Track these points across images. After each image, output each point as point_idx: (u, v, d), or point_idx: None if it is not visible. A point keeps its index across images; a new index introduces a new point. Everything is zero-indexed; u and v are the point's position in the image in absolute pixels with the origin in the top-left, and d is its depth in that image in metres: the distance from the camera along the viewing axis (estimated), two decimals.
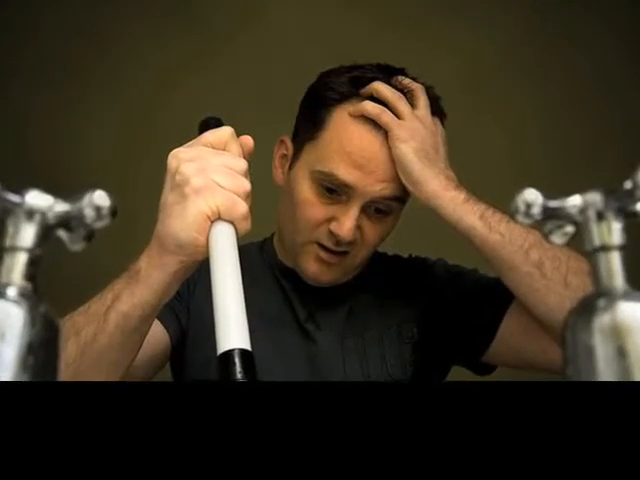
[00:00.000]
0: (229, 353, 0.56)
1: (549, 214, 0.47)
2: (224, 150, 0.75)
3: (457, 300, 1.09)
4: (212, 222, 0.70)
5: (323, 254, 1.02)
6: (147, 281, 0.77)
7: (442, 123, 1.05)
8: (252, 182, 0.72)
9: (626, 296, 0.44)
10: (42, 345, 0.42)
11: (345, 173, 0.97)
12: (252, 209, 0.71)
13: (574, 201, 0.47)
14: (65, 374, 0.46)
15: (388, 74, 1.03)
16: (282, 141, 1.10)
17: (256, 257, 1.15)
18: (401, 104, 0.99)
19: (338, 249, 1.01)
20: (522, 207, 0.47)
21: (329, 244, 1.01)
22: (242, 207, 0.70)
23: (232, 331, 0.59)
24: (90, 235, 0.46)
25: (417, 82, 1.04)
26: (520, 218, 0.47)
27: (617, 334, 0.43)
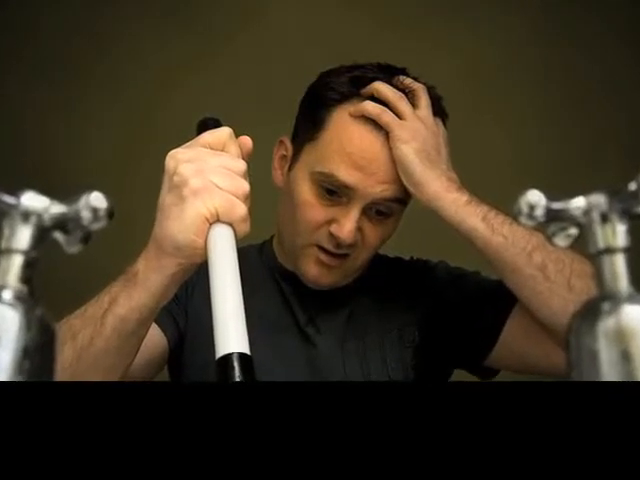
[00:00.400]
0: (228, 357, 0.56)
1: (552, 216, 0.47)
2: (223, 151, 0.75)
3: (459, 303, 1.08)
4: (210, 224, 0.69)
5: (323, 257, 1.01)
6: (145, 284, 0.77)
7: (444, 124, 1.05)
8: (251, 183, 0.72)
9: (631, 299, 0.44)
10: (38, 349, 0.42)
11: (345, 174, 0.97)
12: (251, 211, 0.71)
13: (578, 203, 0.47)
14: (61, 378, 0.46)
15: (389, 74, 1.03)
16: (281, 142, 1.09)
17: (255, 260, 1.14)
18: (402, 104, 0.99)
19: (338, 251, 1.01)
20: (525, 209, 0.47)
21: (329, 246, 1.00)
22: (241, 209, 0.70)
23: (231, 335, 0.58)
24: (87, 237, 0.46)
25: (419, 82, 1.04)
26: (523, 220, 0.47)
27: (622, 338, 0.42)
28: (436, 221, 0.98)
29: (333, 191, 0.99)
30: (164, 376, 1.10)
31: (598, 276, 0.45)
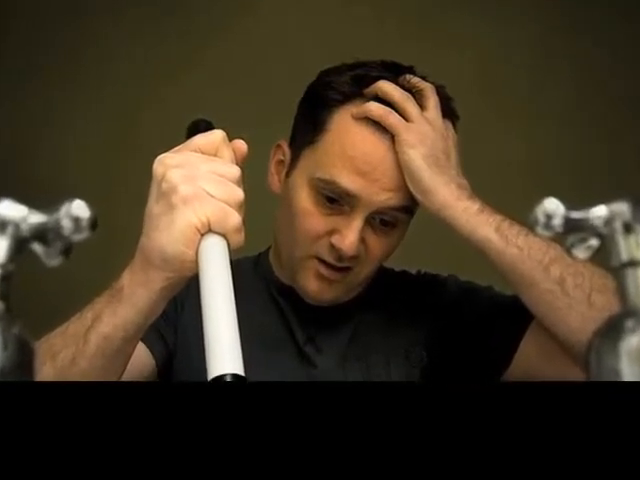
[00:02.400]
0: (221, 378, 0.56)
1: (571, 226, 0.47)
2: (215, 156, 0.75)
3: (471, 320, 1.08)
4: (202, 235, 0.69)
5: (323, 270, 1.01)
6: (131, 299, 0.77)
7: (454, 126, 1.05)
8: (246, 191, 0.72)
9: None
10: (15, 369, 0.42)
11: (348, 181, 0.97)
12: (246, 220, 0.71)
13: (599, 212, 0.47)
14: None
15: (395, 72, 1.03)
16: (279, 146, 1.10)
17: (250, 273, 1.14)
18: (409, 105, 0.99)
19: (340, 264, 1.01)
20: (542, 218, 0.47)
21: (330, 259, 1.00)
22: (234, 218, 0.69)
23: (224, 355, 0.58)
24: (68, 249, 0.46)
25: (427, 81, 1.04)
26: (540, 230, 0.47)
27: None
28: (445, 231, 0.98)
29: (334, 199, 0.99)
30: None
31: (621, 291, 0.45)
